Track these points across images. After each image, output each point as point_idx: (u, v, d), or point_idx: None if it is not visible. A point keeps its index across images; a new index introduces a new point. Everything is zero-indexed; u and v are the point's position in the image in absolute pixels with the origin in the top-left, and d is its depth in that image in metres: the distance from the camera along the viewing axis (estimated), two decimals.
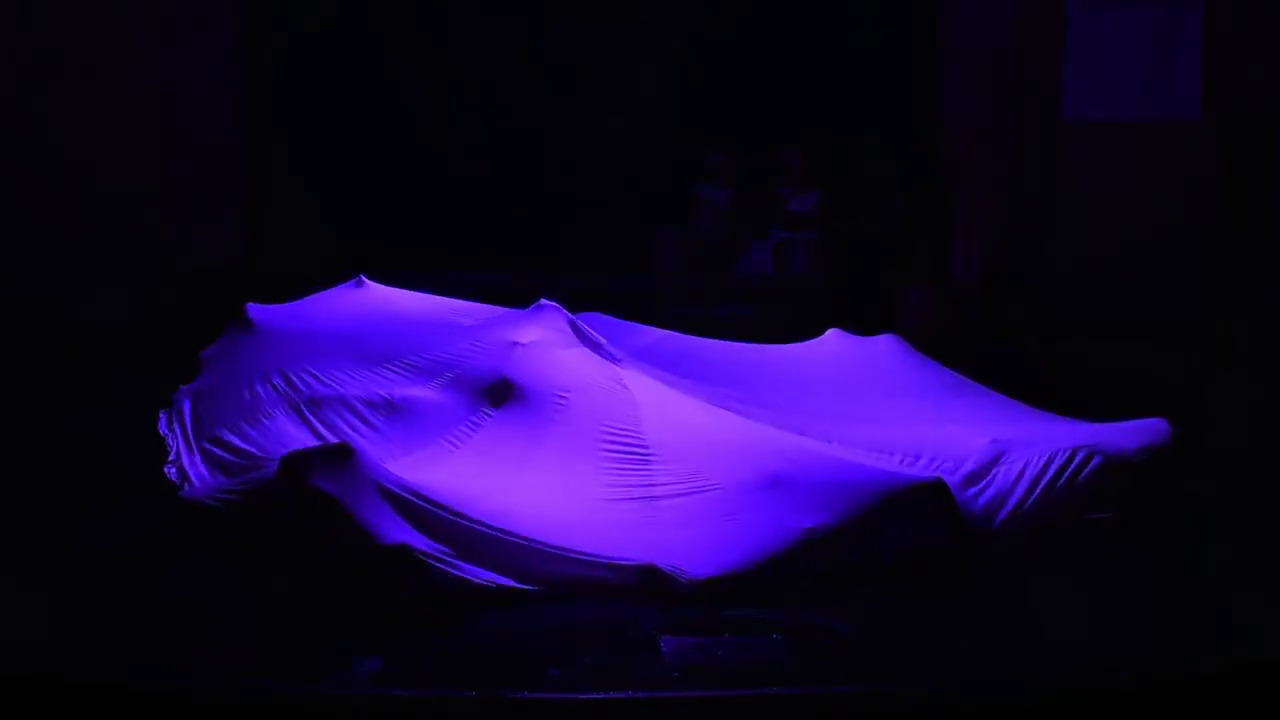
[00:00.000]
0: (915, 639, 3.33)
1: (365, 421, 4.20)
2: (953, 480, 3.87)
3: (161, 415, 4.71)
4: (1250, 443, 4.95)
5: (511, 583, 3.44)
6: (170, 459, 4.36)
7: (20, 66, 6.75)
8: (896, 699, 3.05)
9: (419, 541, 3.38)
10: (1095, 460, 4.12)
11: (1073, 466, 4.09)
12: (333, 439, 4.00)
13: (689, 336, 5.21)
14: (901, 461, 4.05)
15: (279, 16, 7.56)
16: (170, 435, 4.54)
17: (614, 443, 3.96)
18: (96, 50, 6.82)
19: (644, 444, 3.95)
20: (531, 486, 3.79)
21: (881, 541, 3.66)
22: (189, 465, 4.27)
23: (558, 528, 3.57)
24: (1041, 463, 4.08)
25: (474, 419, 4.12)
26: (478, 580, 3.41)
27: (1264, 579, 3.73)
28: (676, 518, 3.74)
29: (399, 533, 3.37)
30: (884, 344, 5.08)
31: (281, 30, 7.57)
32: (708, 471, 3.85)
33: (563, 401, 4.09)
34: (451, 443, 4.06)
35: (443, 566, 3.37)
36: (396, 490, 3.48)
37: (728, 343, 5.20)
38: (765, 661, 3.16)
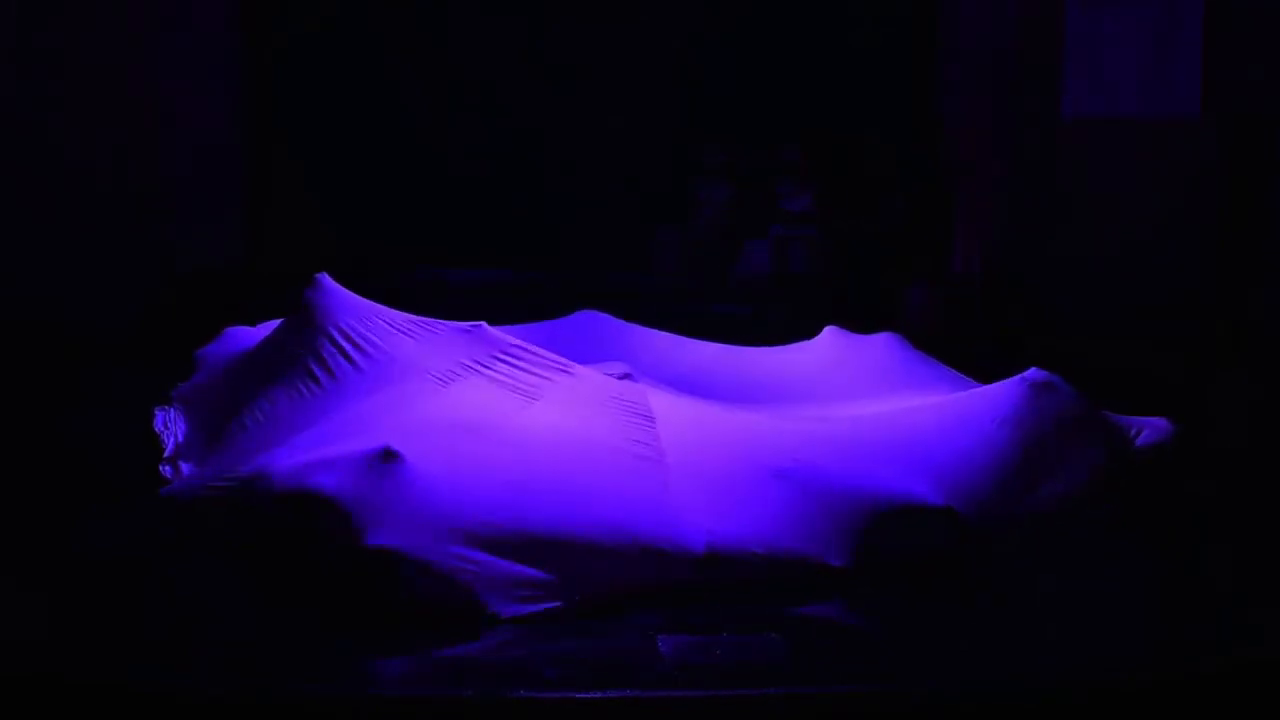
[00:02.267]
0: (915, 639, 3.33)
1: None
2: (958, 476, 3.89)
3: (158, 414, 4.70)
4: (1251, 442, 4.95)
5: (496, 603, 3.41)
6: (165, 457, 4.36)
7: (19, 66, 6.74)
8: (896, 699, 3.05)
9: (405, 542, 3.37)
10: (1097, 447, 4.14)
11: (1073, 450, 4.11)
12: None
13: (686, 340, 5.20)
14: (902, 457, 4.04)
15: (278, 16, 7.57)
16: (166, 434, 4.53)
17: (618, 399, 3.94)
18: (96, 50, 6.82)
19: (649, 411, 3.95)
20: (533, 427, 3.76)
21: (884, 549, 3.68)
22: (183, 463, 4.27)
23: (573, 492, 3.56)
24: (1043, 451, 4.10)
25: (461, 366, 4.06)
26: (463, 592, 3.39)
27: (1264, 579, 3.73)
28: (685, 478, 3.73)
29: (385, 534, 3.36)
30: (883, 342, 5.08)
31: (281, 30, 7.58)
32: (714, 447, 3.86)
33: (562, 364, 4.08)
34: (439, 380, 4.00)
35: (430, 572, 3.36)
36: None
37: (725, 347, 5.19)
38: (764, 661, 3.16)
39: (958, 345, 5.94)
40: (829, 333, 5.12)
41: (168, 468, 4.27)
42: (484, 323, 4.18)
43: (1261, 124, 6.88)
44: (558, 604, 3.40)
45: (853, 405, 4.44)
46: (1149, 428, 4.32)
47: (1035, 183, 7.22)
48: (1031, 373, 4.20)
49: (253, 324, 5.12)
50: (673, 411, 4.03)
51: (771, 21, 7.85)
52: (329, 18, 7.66)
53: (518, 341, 4.12)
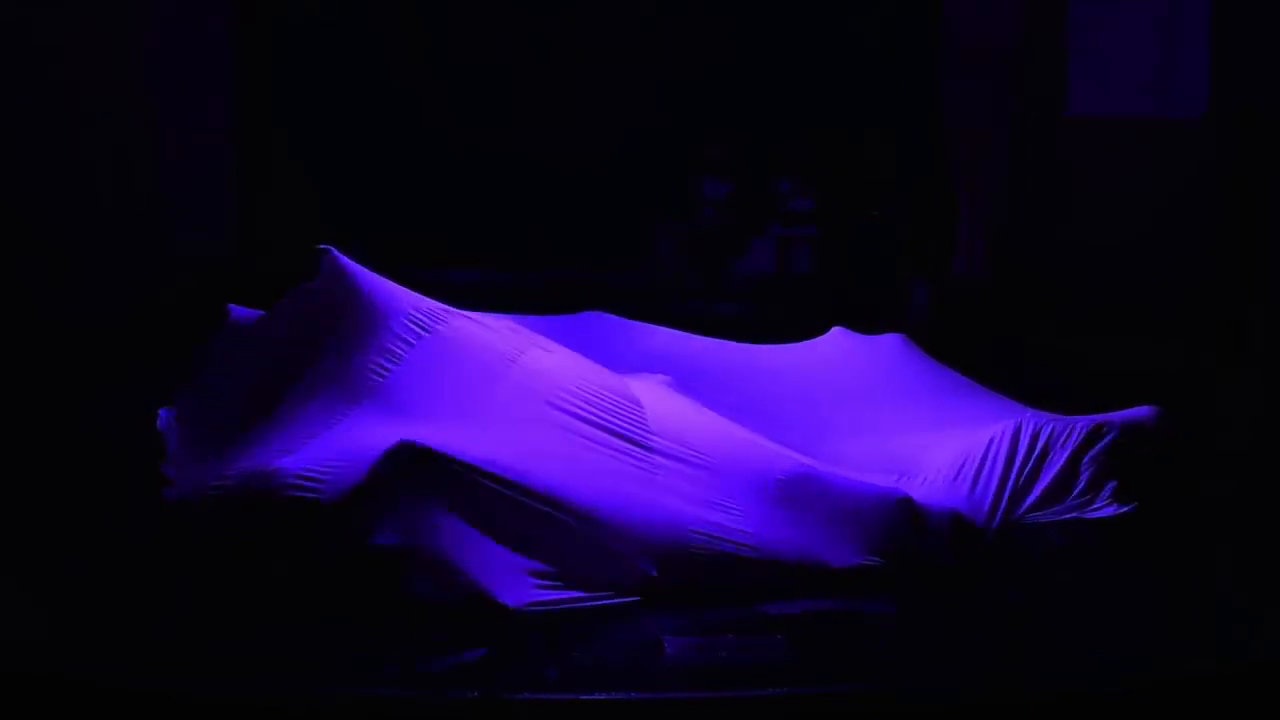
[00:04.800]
0: (918, 640, 3.33)
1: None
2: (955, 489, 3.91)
3: (161, 413, 4.69)
4: (1256, 442, 4.94)
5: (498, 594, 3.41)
6: (168, 458, 4.34)
7: (11, 59, 6.72)
8: (900, 699, 3.05)
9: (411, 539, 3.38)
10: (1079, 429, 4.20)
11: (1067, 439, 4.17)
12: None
13: (695, 337, 5.20)
14: (903, 479, 4.05)
15: (278, 13, 7.56)
16: (169, 434, 4.51)
17: (603, 391, 3.94)
18: (92, 44, 6.80)
19: (636, 399, 3.95)
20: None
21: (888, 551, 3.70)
22: (186, 464, 4.25)
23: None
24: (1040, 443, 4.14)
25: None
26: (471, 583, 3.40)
27: (1266, 580, 3.73)
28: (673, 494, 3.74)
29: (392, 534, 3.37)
30: (888, 343, 5.08)
31: (280, 26, 7.57)
32: (707, 451, 3.86)
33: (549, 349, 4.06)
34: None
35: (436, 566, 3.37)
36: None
37: (734, 344, 5.19)
38: (768, 662, 3.16)
39: (961, 345, 5.93)
40: (836, 333, 5.12)
41: (170, 468, 4.25)
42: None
43: (1266, 123, 6.87)
44: (564, 596, 3.42)
45: (849, 428, 4.45)
46: (1133, 415, 4.34)
47: (1039, 182, 7.21)
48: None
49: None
50: (667, 412, 4.03)
51: (772, 14, 7.83)
52: (329, 14, 7.65)
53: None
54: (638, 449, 3.80)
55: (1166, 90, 7.07)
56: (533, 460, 3.59)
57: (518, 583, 3.42)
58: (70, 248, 6.71)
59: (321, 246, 4.14)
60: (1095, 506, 4.13)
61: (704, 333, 5.31)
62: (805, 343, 5.12)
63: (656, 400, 4.08)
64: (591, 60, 7.84)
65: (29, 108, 6.69)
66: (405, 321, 3.93)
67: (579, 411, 3.83)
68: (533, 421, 3.78)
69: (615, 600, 3.45)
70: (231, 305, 4.78)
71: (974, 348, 5.95)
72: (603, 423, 3.83)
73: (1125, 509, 4.12)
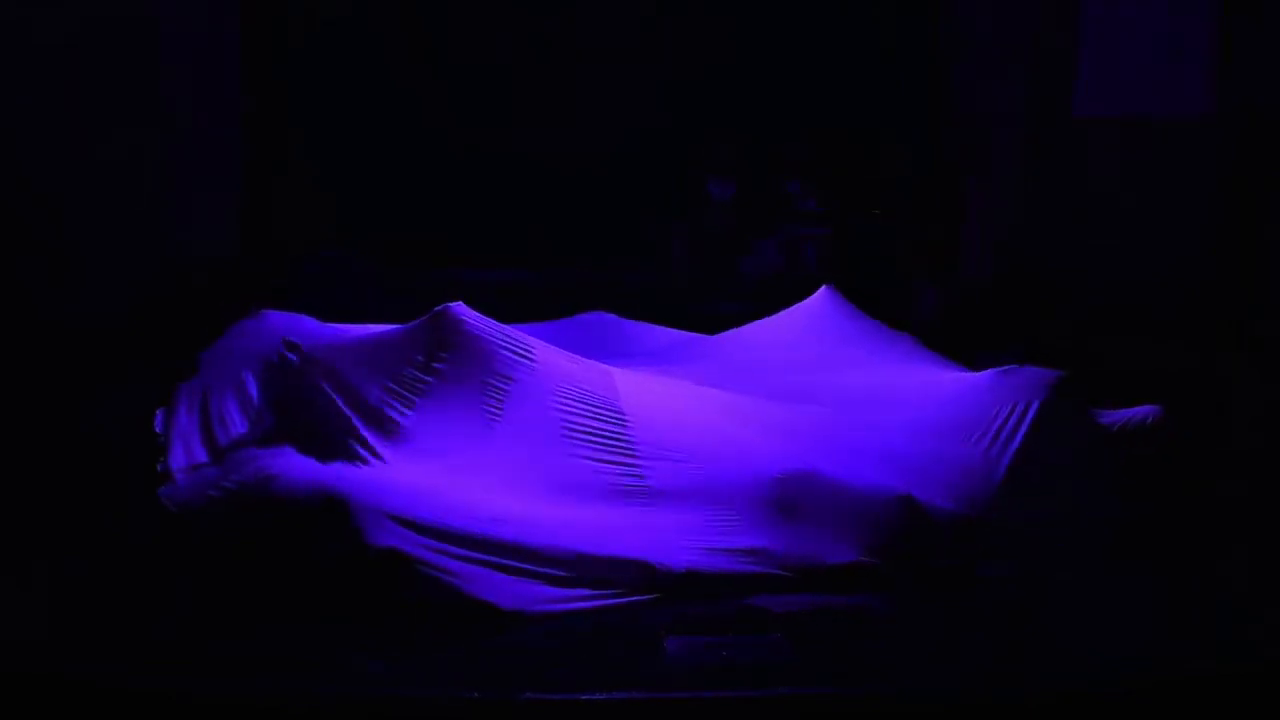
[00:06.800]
0: (920, 640, 3.33)
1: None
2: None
3: (159, 414, 4.69)
4: (1257, 442, 4.94)
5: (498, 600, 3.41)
6: (167, 458, 4.34)
7: (12, 59, 6.71)
8: (901, 699, 3.05)
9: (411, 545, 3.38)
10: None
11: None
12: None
13: (698, 336, 5.20)
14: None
15: (280, 14, 7.56)
16: (168, 434, 4.51)
17: (586, 404, 3.94)
18: (92, 43, 6.79)
19: (619, 410, 3.95)
20: (504, 460, 3.78)
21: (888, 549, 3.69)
22: (184, 464, 4.25)
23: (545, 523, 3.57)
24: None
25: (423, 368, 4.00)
26: (470, 591, 3.40)
27: (1268, 579, 3.72)
28: (666, 499, 3.73)
29: (389, 537, 3.37)
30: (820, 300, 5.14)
31: (282, 25, 7.57)
32: (704, 452, 3.86)
33: (529, 357, 4.05)
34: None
35: (435, 573, 3.37)
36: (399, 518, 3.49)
37: (729, 333, 5.20)
38: (769, 662, 3.16)
39: (965, 345, 5.93)
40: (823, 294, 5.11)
41: (170, 468, 4.25)
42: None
43: (1268, 124, 6.86)
44: (566, 604, 3.42)
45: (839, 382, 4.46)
46: (1138, 414, 4.35)
47: (1047, 178, 7.19)
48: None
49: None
50: (662, 408, 4.03)
51: (772, 17, 7.83)
52: (330, 15, 7.66)
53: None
54: (627, 458, 3.82)
55: (1173, 91, 7.06)
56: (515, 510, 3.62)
57: (518, 584, 3.42)
58: (70, 248, 6.70)
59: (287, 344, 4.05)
60: (1097, 506, 4.13)
61: (708, 333, 5.32)
62: (795, 308, 5.14)
63: (653, 399, 4.08)
64: (591, 60, 7.84)
65: (30, 108, 6.68)
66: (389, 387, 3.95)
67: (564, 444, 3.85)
68: (515, 467, 3.80)
69: (617, 600, 3.45)
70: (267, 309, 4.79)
71: (978, 348, 5.95)
72: (592, 454, 3.85)
73: (1127, 508, 4.11)
